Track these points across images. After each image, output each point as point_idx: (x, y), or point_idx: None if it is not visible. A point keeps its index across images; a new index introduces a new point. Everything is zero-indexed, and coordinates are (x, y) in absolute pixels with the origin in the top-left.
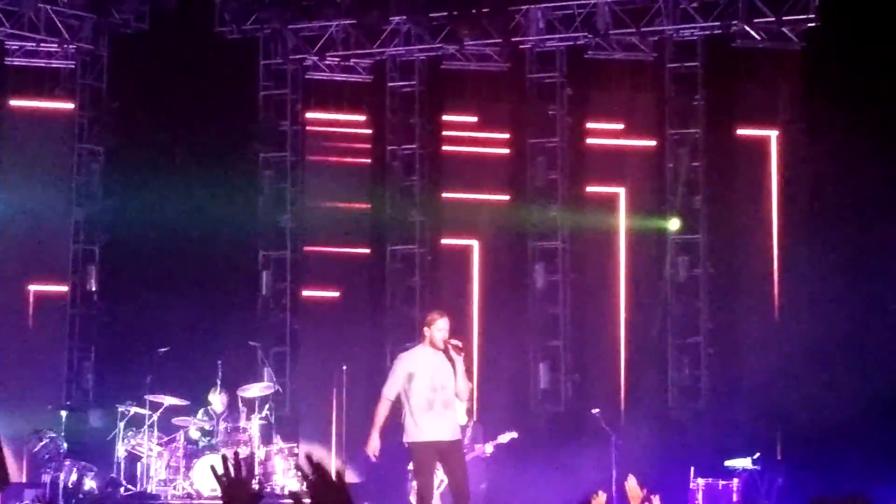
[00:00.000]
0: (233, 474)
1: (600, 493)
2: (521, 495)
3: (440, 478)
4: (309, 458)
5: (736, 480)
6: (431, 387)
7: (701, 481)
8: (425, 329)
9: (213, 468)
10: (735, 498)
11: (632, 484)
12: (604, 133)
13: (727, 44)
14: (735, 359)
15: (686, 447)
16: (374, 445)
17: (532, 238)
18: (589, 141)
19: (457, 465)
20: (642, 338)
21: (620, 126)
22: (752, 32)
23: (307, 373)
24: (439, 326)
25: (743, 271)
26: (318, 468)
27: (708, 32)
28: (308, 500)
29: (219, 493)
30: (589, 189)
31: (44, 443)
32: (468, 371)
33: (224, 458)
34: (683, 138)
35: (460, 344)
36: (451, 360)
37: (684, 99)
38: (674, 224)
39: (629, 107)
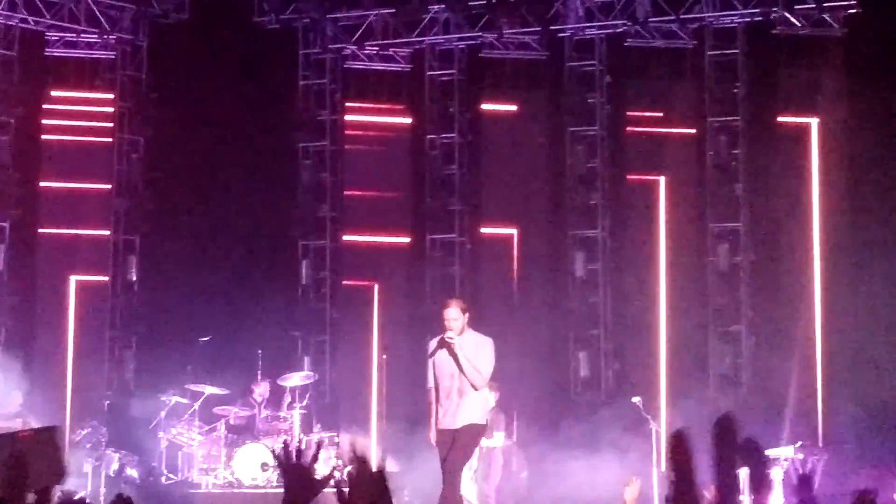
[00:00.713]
0: (293, 460)
1: (634, 479)
2: (562, 484)
3: (473, 466)
4: (353, 447)
5: (778, 469)
6: (448, 374)
7: (742, 470)
8: None
9: (273, 451)
10: (777, 487)
11: (632, 489)
12: (644, 121)
13: (767, 31)
14: (776, 347)
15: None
16: (431, 434)
17: (572, 226)
18: (629, 129)
19: (455, 448)
20: (683, 326)
21: (660, 114)
22: (793, 19)
23: (347, 361)
24: (444, 316)
25: (784, 259)
26: (359, 458)
27: (748, 19)
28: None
29: (259, 482)
30: (629, 177)
31: (86, 432)
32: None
33: (285, 444)
34: (724, 126)
35: (447, 337)
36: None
37: (724, 86)
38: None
39: (669, 95)
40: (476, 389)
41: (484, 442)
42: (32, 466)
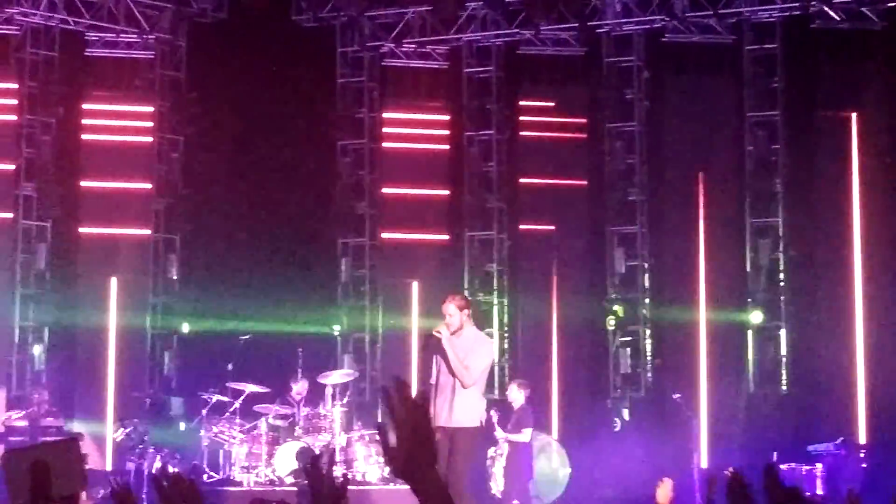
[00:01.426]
0: (322, 469)
1: (664, 480)
2: (604, 480)
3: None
4: (398, 381)
5: (819, 465)
6: (445, 370)
7: (784, 467)
8: None
9: (299, 461)
10: (818, 483)
11: (664, 490)
12: (682, 117)
13: (806, 25)
14: (817, 342)
15: (768, 432)
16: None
17: (611, 222)
18: (667, 124)
19: (454, 457)
20: (723, 322)
21: (699, 109)
22: (832, 13)
23: (386, 359)
24: (442, 311)
25: (824, 254)
26: (402, 393)
27: (786, 14)
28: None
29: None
30: (668, 173)
31: (128, 431)
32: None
33: (312, 454)
34: (763, 121)
35: (436, 332)
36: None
37: (763, 81)
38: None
39: (707, 90)
40: (464, 387)
41: (516, 437)
42: (55, 475)
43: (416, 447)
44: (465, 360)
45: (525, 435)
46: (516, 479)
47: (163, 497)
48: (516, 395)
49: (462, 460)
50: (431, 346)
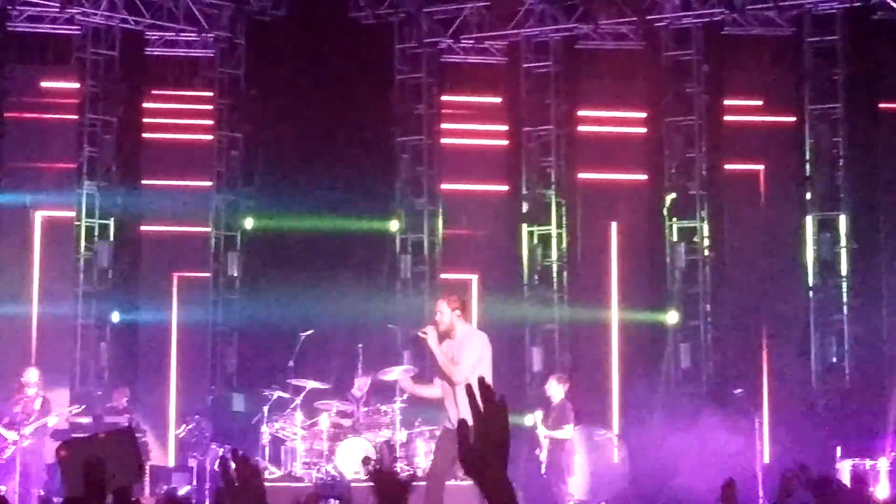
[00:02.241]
0: (383, 465)
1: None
2: (665, 476)
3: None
4: (482, 382)
5: (884, 460)
6: (441, 373)
7: (848, 462)
8: None
9: (364, 460)
10: (883, 478)
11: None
12: (742, 110)
13: (867, 16)
14: (879, 336)
15: (831, 427)
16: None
17: (671, 217)
18: (727, 118)
19: (439, 449)
20: (784, 316)
21: (759, 102)
22: (893, 3)
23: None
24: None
25: (886, 247)
26: (486, 394)
27: (847, 5)
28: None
29: (361, 475)
30: (728, 167)
31: (190, 427)
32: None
33: (377, 449)
34: (824, 114)
35: (421, 332)
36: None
37: (824, 73)
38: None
39: (767, 83)
40: (454, 384)
41: (557, 434)
42: (110, 467)
43: (492, 447)
44: (456, 357)
45: (566, 431)
46: (556, 476)
47: (228, 479)
48: (555, 390)
49: (440, 454)
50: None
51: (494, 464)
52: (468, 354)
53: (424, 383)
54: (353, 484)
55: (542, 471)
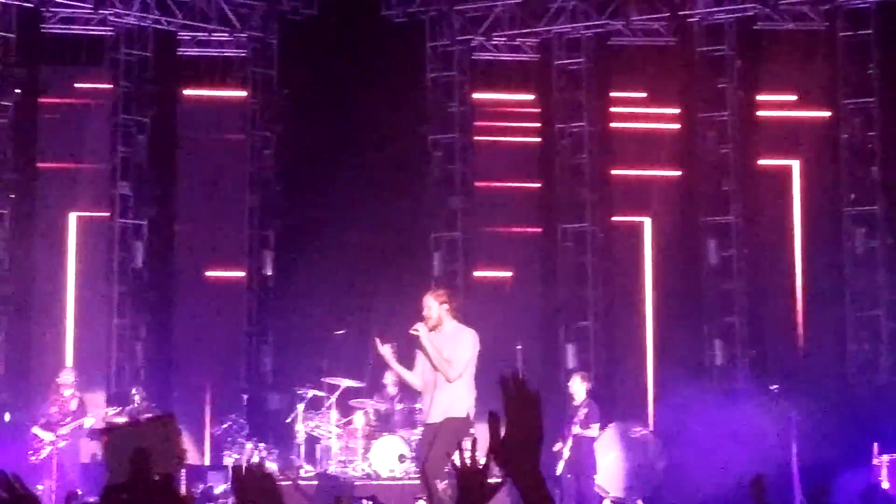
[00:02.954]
0: (469, 462)
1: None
2: (700, 473)
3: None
4: (515, 375)
5: None
6: (429, 367)
7: (885, 457)
8: None
9: (447, 455)
10: None
11: None
12: (776, 105)
13: None
14: None
15: (868, 422)
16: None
17: (704, 213)
18: (760, 113)
19: (436, 446)
20: (820, 312)
21: (793, 97)
22: None
23: (480, 353)
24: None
25: None
26: (519, 387)
27: None
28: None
29: (396, 473)
30: (761, 162)
31: (225, 426)
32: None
33: (464, 447)
34: (858, 108)
35: (412, 329)
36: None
37: (858, 68)
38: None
39: (801, 78)
40: (448, 381)
41: (586, 433)
42: (154, 453)
43: (526, 440)
44: (447, 353)
45: (594, 430)
46: (581, 475)
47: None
48: (578, 388)
49: (440, 446)
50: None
51: (528, 458)
52: (461, 352)
53: (405, 366)
54: (387, 482)
55: (559, 470)
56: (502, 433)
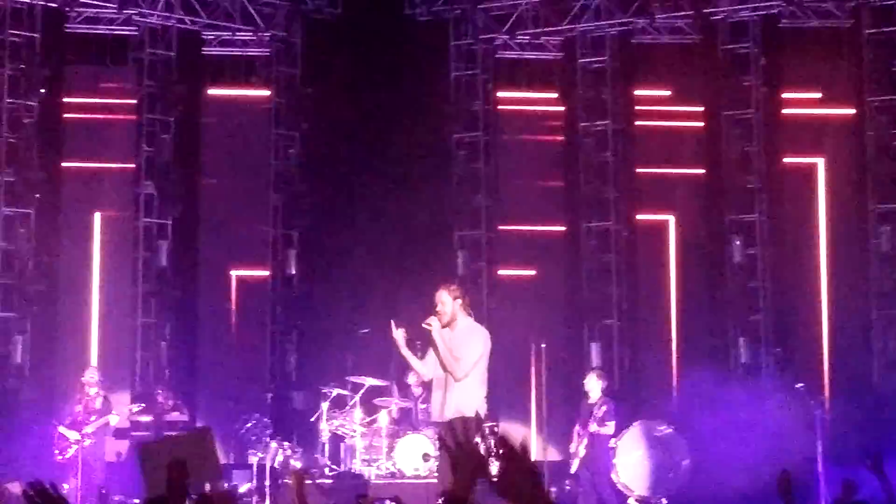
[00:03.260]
0: (461, 441)
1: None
2: (725, 471)
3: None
4: (508, 440)
5: None
6: (438, 364)
7: None
8: None
9: (439, 436)
10: None
11: None
12: (800, 103)
13: None
14: None
15: (894, 421)
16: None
17: (729, 211)
18: (785, 111)
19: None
20: (845, 310)
21: (817, 95)
22: None
23: (504, 351)
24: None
25: None
26: (511, 449)
27: None
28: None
29: (420, 472)
30: (786, 160)
31: (249, 425)
32: (460, 347)
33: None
34: (883, 105)
35: (425, 323)
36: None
37: (883, 65)
38: None
39: (826, 75)
40: (455, 380)
41: (602, 430)
42: (192, 467)
43: (523, 475)
44: (457, 351)
45: (609, 428)
46: (596, 473)
47: None
48: (593, 386)
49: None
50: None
51: (530, 491)
52: (470, 351)
53: (417, 355)
54: (411, 480)
55: (574, 468)
56: (495, 472)
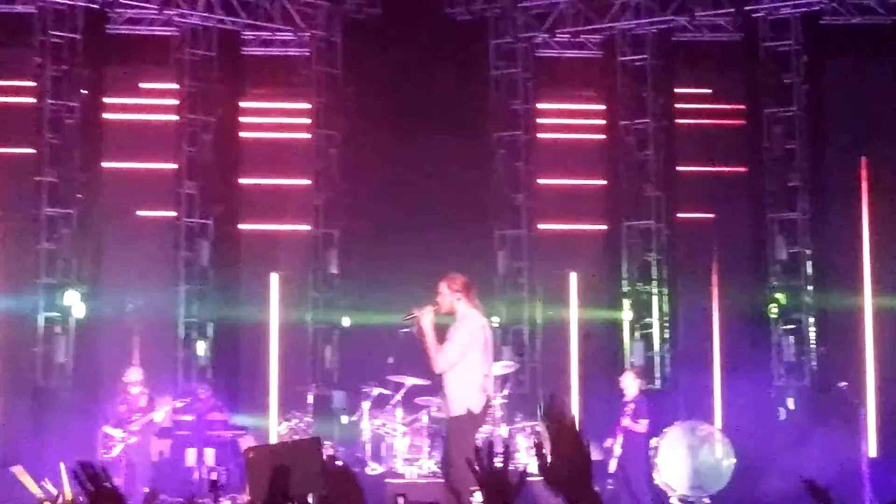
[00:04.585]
0: (487, 464)
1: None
2: (768, 470)
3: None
4: (554, 398)
5: None
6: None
7: None
8: None
9: (468, 461)
10: None
11: None
12: (844, 99)
13: None
14: None
15: None
16: None
17: (771, 210)
18: (828, 108)
19: (446, 448)
20: (890, 308)
21: (861, 92)
22: None
23: (546, 351)
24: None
25: None
26: (559, 415)
27: None
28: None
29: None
30: (829, 157)
31: (291, 424)
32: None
33: (479, 449)
34: None
35: (414, 311)
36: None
37: None
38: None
39: (869, 72)
40: (436, 372)
41: (635, 428)
42: (294, 476)
43: (572, 462)
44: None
45: (641, 426)
46: (632, 473)
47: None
48: (630, 384)
49: (457, 452)
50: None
51: (578, 477)
52: (448, 344)
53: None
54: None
55: (612, 467)
56: (548, 459)
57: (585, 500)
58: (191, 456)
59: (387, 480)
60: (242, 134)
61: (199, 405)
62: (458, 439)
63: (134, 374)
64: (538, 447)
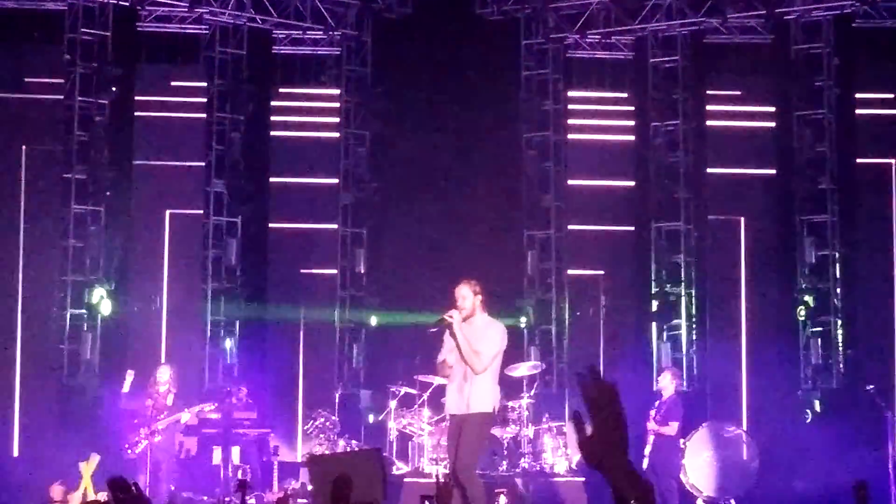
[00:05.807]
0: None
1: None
2: (795, 472)
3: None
4: (592, 368)
5: None
6: (456, 357)
7: None
8: None
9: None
10: None
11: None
12: (874, 103)
13: None
14: None
15: None
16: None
17: (800, 212)
18: (859, 112)
19: (463, 442)
20: None
21: (892, 95)
22: None
23: (574, 351)
24: (455, 294)
25: None
26: (597, 379)
27: None
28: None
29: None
30: (859, 161)
31: (318, 423)
32: (483, 342)
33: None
34: None
35: (447, 315)
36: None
37: None
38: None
39: None
40: (475, 373)
41: (664, 430)
42: (356, 484)
43: (611, 433)
44: (476, 345)
45: (672, 428)
46: (662, 475)
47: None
48: (667, 384)
49: (468, 443)
50: (442, 330)
51: (616, 451)
52: (489, 345)
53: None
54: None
55: (643, 467)
56: (588, 432)
57: (621, 470)
58: (217, 454)
59: (405, 480)
60: (271, 132)
61: (227, 404)
62: (478, 434)
63: (164, 372)
64: (577, 420)
